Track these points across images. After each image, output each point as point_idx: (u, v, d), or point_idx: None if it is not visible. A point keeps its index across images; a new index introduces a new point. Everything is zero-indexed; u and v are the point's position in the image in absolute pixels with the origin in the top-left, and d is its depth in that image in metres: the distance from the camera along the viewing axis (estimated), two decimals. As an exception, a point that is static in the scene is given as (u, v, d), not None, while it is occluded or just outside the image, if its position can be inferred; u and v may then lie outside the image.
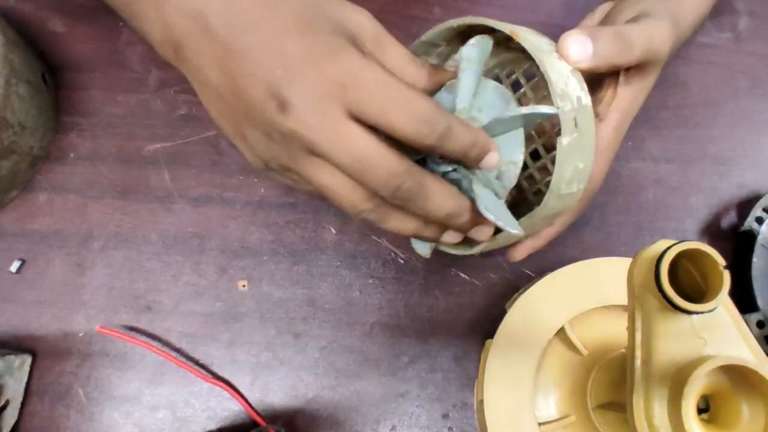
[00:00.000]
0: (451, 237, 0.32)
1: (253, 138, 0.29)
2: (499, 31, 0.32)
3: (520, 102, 0.39)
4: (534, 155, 0.38)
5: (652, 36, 0.34)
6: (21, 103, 0.43)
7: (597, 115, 0.35)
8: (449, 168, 0.32)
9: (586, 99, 0.30)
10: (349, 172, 0.27)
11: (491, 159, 0.30)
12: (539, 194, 0.38)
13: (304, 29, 0.27)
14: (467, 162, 0.30)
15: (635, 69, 0.35)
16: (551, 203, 0.30)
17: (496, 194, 0.33)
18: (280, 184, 0.30)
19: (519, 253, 0.37)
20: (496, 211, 0.30)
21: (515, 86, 0.39)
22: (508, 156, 0.33)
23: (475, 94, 0.33)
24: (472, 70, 0.34)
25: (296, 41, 0.27)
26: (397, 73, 0.29)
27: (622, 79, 0.35)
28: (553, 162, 0.33)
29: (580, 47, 0.31)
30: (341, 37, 0.28)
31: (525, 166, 0.38)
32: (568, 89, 0.30)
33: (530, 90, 0.38)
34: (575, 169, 0.30)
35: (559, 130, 0.29)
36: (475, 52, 0.34)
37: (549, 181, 0.31)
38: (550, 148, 0.38)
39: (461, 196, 0.30)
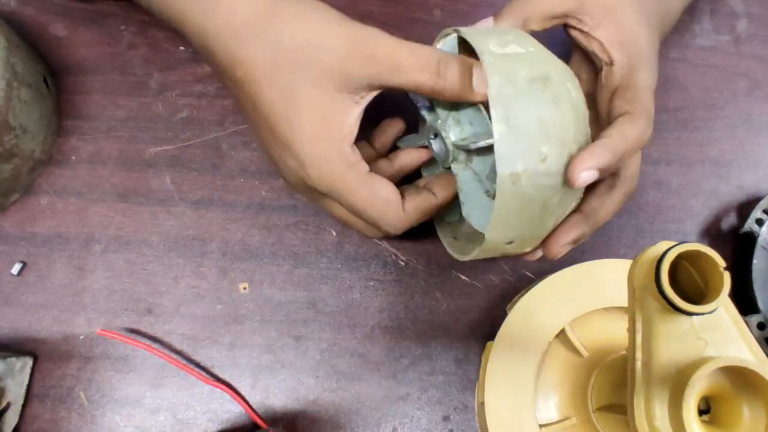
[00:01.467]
0: None
1: (284, 170, 0.36)
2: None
3: None
4: None
5: (630, 137, 0.33)
6: (22, 107, 0.43)
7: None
8: (453, 165, 0.36)
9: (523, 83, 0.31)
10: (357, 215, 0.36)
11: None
12: None
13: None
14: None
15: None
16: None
17: (487, 192, 0.35)
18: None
19: (532, 256, 0.38)
20: (476, 215, 0.36)
21: None
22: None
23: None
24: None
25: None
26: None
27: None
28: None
29: (589, 176, 0.31)
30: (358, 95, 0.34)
31: None
32: (493, 70, 0.30)
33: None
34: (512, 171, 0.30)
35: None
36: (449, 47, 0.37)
37: None
38: None
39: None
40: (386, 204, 0.34)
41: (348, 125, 0.33)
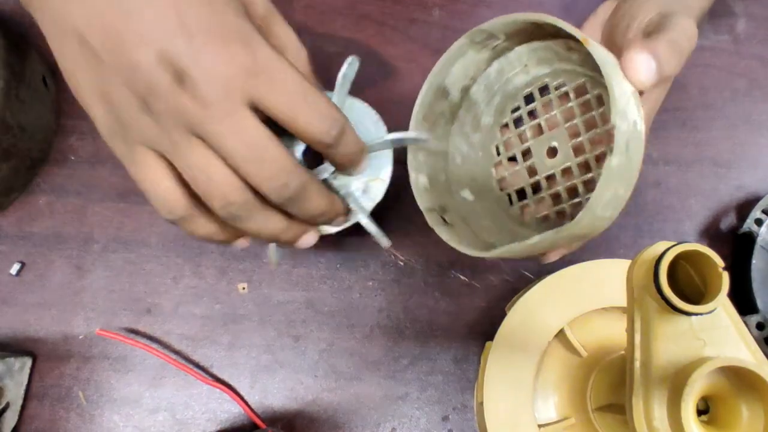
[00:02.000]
0: (311, 238, 0.34)
1: (121, 101, 0.27)
2: (564, 35, 0.31)
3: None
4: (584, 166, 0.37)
5: (691, 36, 0.33)
6: (21, 106, 0.43)
7: None
8: (327, 175, 0.35)
9: (641, 124, 0.30)
10: (236, 161, 0.27)
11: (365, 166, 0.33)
12: (578, 207, 0.37)
13: (207, 1, 0.26)
14: (350, 166, 0.32)
15: None
16: (584, 222, 0.29)
17: (362, 208, 0.36)
18: (118, 156, 0.30)
19: (554, 256, 0.37)
20: (372, 225, 0.36)
21: (563, 99, 0.37)
22: (376, 173, 0.36)
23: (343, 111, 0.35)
24: (346, 87, 0.37)
25: (201, 13, 0.26)
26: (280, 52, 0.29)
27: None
28: (586, 181, 0.35)
29: (647, 66, 0.30)
30: (247, 19, 0.27)
31: (551, 182, 0.38)
32: (627, 109, 0.29)
33: (577, 107, 0.36)
34: (615, 194, 0.29)
35: (611, 148, 0.28)
36: (351, 71, 0.37)
37: (576, 202, 0.34)
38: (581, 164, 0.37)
39: (337, 198, 0.33)
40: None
41: None
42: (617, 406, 0.34)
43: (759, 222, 0.42)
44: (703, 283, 0.25)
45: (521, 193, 0.39)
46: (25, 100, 0.43)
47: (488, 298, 0.44)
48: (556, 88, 0.37)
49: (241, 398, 0.43)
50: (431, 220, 0.37)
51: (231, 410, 0.43)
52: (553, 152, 0.38)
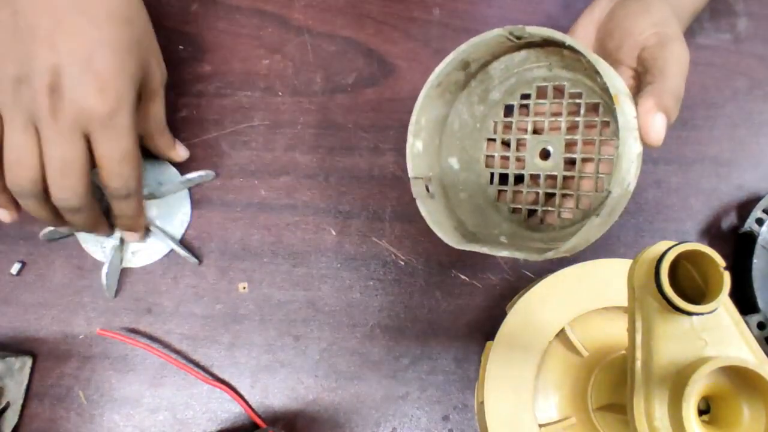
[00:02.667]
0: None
1: (6, 68, 0.34)
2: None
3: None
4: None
5: (686, 62, 0.35)
6: None
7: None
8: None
9: (633, 185, 0.32)
10: (48, 163, 0.35)
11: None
12: (550, 214, 0.40)
13: (115, 51, 0.35)
14: (128, 228, 0.42)
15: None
16: (550, 255, 0.33)
17: (173, 237, 0.45)
18: None
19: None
20: (181, 249, 0.44)
21: (573, 108, 0.39)
22: (179, 209, 0.46)
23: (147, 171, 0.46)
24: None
25: (107, 59, 0.35)
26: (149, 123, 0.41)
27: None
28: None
29: (661, 126, 0.32)
30: (133, 88, 0.36)
31: (535, 181, 0.41)
32: (627, 176, 0.31)
33: (583, 122, 0.38)
34: (587, 240, 0.33)
35: (598, 209, 0.32)
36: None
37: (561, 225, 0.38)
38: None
39: (103, 223, 0.42)
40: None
41: None
42: (618, 406, 0.34)
43: (760, 221, 0.42)
44: (705, 282, 0.25)
45: (503, 178, 0.41)
46: None
47: (489, 297, 0.44)
48: (571, 96, 0.39)
49: (242, 398, 0.43)
50: (416, 188, 0.39)
51: (231, 410, 0.43)
52: (545, 155, 0.39)
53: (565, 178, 0.39)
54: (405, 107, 0.48)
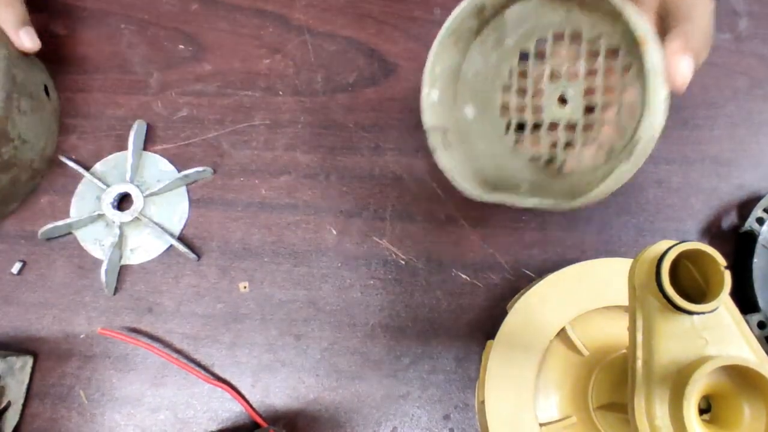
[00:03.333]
0: None
1: None
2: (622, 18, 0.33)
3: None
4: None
5: (711, 5, 0.34)
6: (22, 117, 0.43)
7: None
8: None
9: (660, 130, 0.32)
10: None
11: None
12: (571, 158, 0.39)
13: None
14: None
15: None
16: (576, 204, 0.33)
17: (172, 234, 0.45)
18: None
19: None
20: (180, 245, 0.44)
21: (591, 54, 0.38)
22: (175, 207, 0.46)
23: (138, 168, 0.46)
24: (139, 146, 0.47)
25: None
26: None
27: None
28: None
29: (688, 70, 0.31)
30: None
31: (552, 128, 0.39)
32: (655, 121, 0.31)
33: (603, 67, 0.37)
34: (611, 190, 0.33)
35: (627, 149, 0.32)
36: (140, 132, 0.46)
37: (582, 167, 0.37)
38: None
39: None
40: None
41: None
42: (619, 405, 0.34)
43: (760, 221, 0.42)
44: (705, 281, 0.25)
45: (520, 127, 0.40)
46: (27, 111, 0.43)
47: (489, 296, 0.44)
48: (589, 42, 0.37)
49: (243, 397, 0.43)
50: (433, 139, 0.38)
51: (232, 409, 0.43)
52: (563, 102, 0.38)
53: (584, 124, 0.38)
54: (406, 106, 0.48)
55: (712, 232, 0.45)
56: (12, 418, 0.41)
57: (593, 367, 0.36)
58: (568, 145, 0.38)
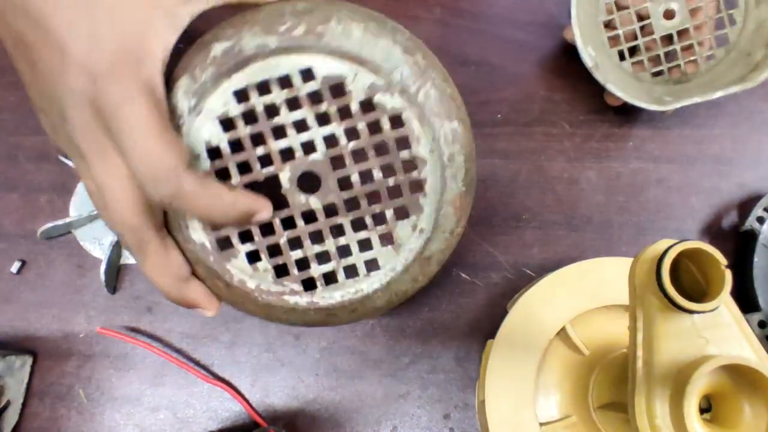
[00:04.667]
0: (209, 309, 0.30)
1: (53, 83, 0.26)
2: None
3: None
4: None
5: None
6: None
7: None
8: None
9: None
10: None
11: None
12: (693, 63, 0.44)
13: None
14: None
15: None
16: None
17: None
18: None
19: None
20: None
21: None
22: None
23: None
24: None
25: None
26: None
27: None
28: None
29: None
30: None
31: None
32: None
33: None
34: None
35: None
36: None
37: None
38: None
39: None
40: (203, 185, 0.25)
41: (164, 45, 0.26)
42: (619, 405, 0.34)
43: (761, 220, 0.42)
44: (706, 281, 0.25)
45: (632, 50, 0.44)
46: None
47: (489, 296, 0.44)
48: None
49: (242, 397, 0.43)
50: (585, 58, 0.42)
51: (232, 409, 0.43)
52: (670, 15, 0.43)
53: (695, 27, 0.43)
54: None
55: (713, 231, 0.45)
56: (11, 417, 0.41)
57: (593, 366, 0.36)
58: (684, 50, 0.44)
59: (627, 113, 0.47)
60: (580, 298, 0.38)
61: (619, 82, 0.42)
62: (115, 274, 0.44)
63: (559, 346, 0.38)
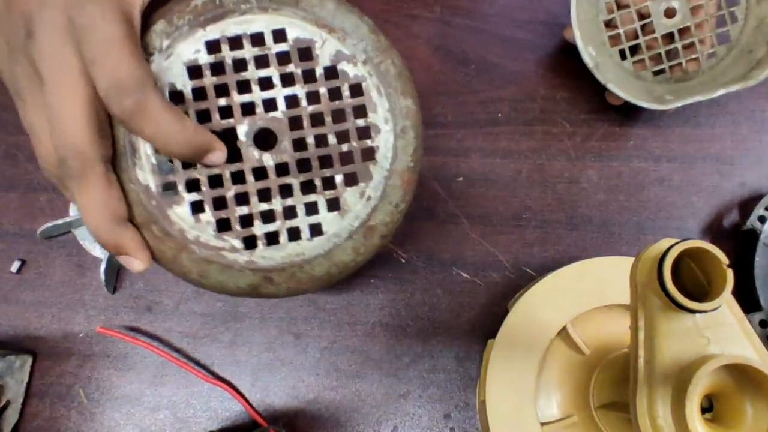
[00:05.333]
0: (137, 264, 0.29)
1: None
2: None
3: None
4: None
5: None
6: None
7: None
8: None
9: None
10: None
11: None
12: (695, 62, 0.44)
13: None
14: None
15: None
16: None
17: None
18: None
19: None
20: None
21: None
22: None
23: None
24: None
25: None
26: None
27: None
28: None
29: None
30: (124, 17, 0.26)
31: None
32: None
33: None
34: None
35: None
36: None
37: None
38: None
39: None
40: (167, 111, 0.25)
41: None
42: (620, 404, 0.34)
43: (762, 219, 0.42)
44: (707, 280, 0.25)
45: (633, 49, 0.44)
46: None
47: (490, 295, 0.44)
48: None
49: (243, 396, 0.42)
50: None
51: (232, 408, 0.43)
52: (671, 13, 0.43)
53: (696, 25, 0.43)
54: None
55: (714, 231, 0.45)
56: (11, 416, 0.41)
57: (594, 366, 0.36)
58: (685, 48, 0.43)
59: (628, 112, 0.47)
60: (581, 297, 0.38)
61: (620, 82, 0.42)
62: (115, 273, 0.44)
63: (560, 346, 0.38)
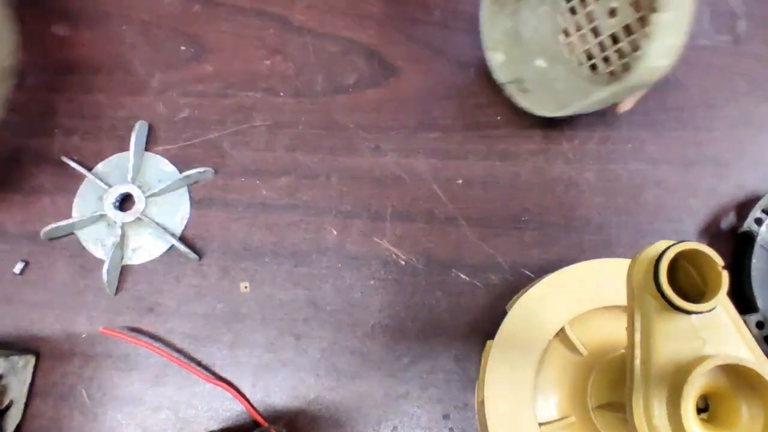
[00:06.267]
0: None
1: None
2: None
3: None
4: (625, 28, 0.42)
5: None
6: None
7: None
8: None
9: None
10: None
11: None
12: (627, 67, 0.42)
13: None
14: None
15: None
16: (639, 73, 0.35)
17: (173, 234, 0.45)
18: None
19: (627, 105, 0.43)
20: (181, 246, 0.44)
21: None
22: (177, 207, 0.45)
23: (139, 169, 0.46)
24: (141, 146, 0.46)
25: None
26: None
27: None
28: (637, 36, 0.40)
29: None
30: None
31: (615, 39, 0.42)
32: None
33: None
34: (666, 44, 0.34)
35: (655, 5, 0.33)
36: (142, 132, 0.46)
37: (637, 55, 0.38)
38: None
39: None
40: None
41: None
42: (617, 405, 0.34)
43: (759, 221, 0.42)
44: (703, 281, 0.25)
45: (590, 55, 0.44)
46: None
47: (489, 296, 0.45)
48: None
49: (244, 397, 0.43)
50: (509, 90, 0.44)
51: (233, 408, 0.43)
52: (613, 12, 0.42)
53: (638, 21, 0.41)
54: (406, 108, 0.48)
55: (711, 233, 0.46)
56: (14, 417, 0.42)
57: (592, 366, 0.36)
58: (635, 50, 0.42)
59: (626, 115, 0.47)
60: (579, 299, 0.38)
61: (565, 89, 0.43)
62: (117, 274, 0.45)
63: (558, 347, 0.38)
